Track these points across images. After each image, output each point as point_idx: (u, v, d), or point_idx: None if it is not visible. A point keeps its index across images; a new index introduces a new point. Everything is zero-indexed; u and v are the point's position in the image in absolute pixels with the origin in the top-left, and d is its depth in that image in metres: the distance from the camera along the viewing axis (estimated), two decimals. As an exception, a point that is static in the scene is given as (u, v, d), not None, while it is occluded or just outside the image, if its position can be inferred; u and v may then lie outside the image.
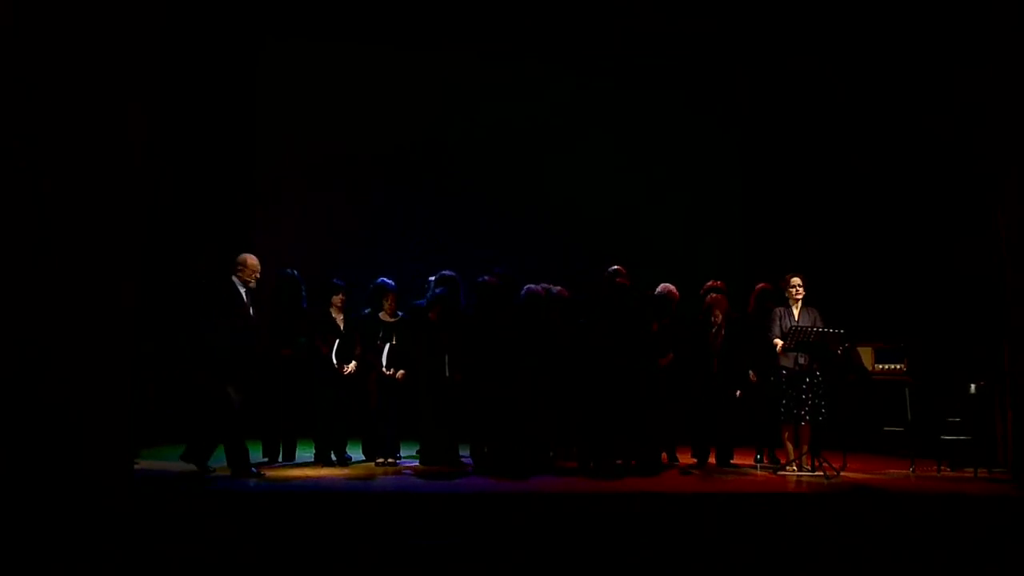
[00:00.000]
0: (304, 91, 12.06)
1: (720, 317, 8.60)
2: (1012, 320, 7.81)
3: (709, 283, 8.82)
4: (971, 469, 8.20)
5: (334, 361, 8.30)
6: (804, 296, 8.31)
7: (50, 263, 6.57)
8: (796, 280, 8.31)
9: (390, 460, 8.34)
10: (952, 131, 9.57)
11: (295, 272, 8.66)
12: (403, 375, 8.31)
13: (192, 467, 7.53)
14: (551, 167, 12.20)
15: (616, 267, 8.62)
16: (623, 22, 11.94)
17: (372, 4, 11.71)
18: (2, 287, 6.38)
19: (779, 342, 8.13)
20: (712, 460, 8.68)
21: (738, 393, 8.62)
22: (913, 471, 8.29)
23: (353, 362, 8.22)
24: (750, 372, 8.56)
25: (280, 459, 8.49)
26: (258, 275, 7.72)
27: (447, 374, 8.25)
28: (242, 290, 7.63)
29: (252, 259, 7.72)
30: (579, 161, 12.26)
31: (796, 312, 8.26)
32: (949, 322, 9.55)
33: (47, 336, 6.59)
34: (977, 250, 8.88)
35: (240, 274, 7.66)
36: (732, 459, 8.66)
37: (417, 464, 8.35)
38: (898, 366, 8.46)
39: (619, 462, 8.14)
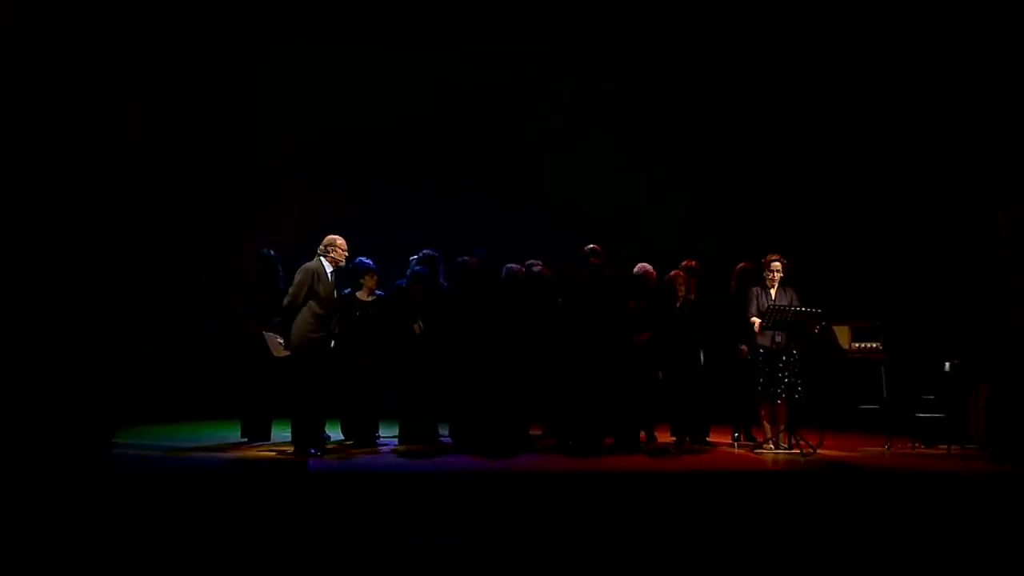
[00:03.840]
0: (304, 91, 12.17)
1: (683, 291, 8.63)
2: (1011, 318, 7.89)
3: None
4: (944, 446, 8.24)
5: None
6: (782, 276, 8.36)
7: (50, 263, 6.60)
8: (776, 264, 8.35)
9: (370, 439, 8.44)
10: (946, 125, 9.61)
11: (271, 252, 8.72)
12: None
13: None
14: (551, 167, 12.23)
15: (592, 246, 8.72)
16: (623, 22, 12.07)
17: (372, 4, 11.84)
18: (2, 286, 6.45)
19: (757, 321, 8.19)
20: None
21: (709, 372, 8.66)
22: (888, 448, 8.32)
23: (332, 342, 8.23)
24: (741, 347, 8.59)
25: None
26: (346, 255, 7.87)
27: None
28: (329, 271, 7.76)
29: (339, 239, 7.85)
30: (579, 160, 12.28)
31: (773, 292, 8.31)
32: (924, 301, 9.61)
33: (47, 336, 6.64)
34: (961, 233, 8.96)
35: (331, 255, 7.78)
36: (709, 437, 8.72)
37: (397, 443, 8.42)
38: (874, 345, 8.50)
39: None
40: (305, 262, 7.85)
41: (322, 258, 7.79)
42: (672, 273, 8.68)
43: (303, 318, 7.63)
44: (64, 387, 6.67)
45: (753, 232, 11.32)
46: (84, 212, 6.77)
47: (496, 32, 12.04)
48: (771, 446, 8.20)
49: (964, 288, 8.71)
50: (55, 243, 6.65)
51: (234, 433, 8.64)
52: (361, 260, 8.50)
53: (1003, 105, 8.08)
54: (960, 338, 8.55)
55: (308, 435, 7.68)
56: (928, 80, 10.12)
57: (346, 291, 8.50)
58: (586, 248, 8.67)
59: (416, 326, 8.31)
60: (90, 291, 6.81)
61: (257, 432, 8.50)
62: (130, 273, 7.12)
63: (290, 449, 7.74)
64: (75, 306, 6.79)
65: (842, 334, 8.56)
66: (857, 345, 8.53)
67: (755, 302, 8.29)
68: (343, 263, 7.87)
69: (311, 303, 7.64)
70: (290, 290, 7.73)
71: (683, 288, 8.63)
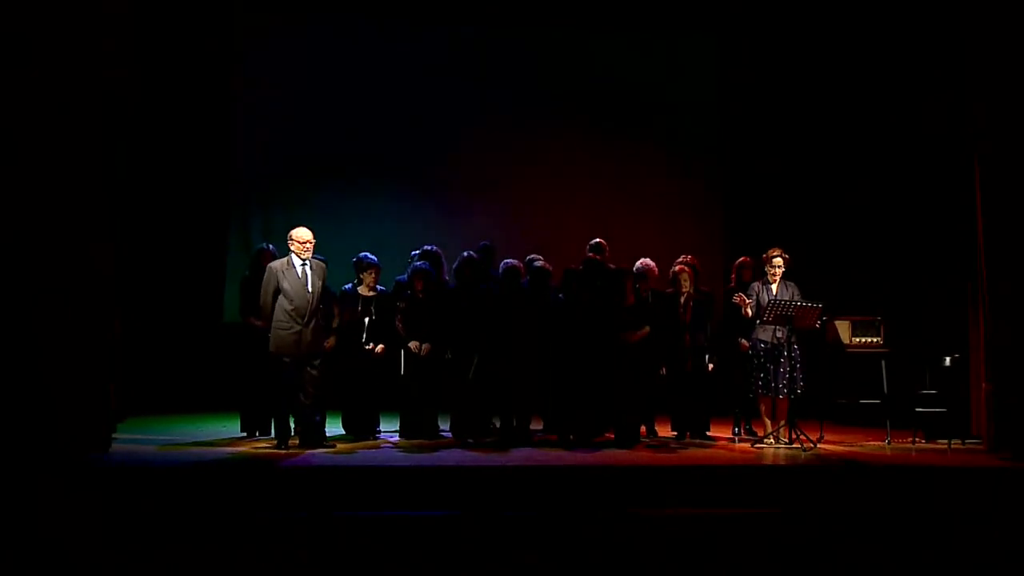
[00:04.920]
0: (294, 78, 12.05)
1: (687, 286, 8.61)
2: (988, 291, 7.89)
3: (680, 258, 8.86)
4: (945, 440, 8.27)
5: None
6: (784, 271, 8.33)
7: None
8: (778, 260, 8.30)
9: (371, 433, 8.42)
10: (932, 110, 9.57)
11: (270, 246, 8.66)
12: (383, 350, 8.36)
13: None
14: (547, 160, 12.19)
15: (597, 240, 8.72)
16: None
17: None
18: None
19: (744, 299, 8.16)
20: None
21: (711, 366, 8.67)
22: (889, 443, 8.38)
23: (332, 336, 8.17)
24: (741, 341, 8.59)
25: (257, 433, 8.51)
26: (309, 245, 7.66)
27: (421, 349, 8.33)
28: (297, 264, 7.65)
29: (297, 232, 7.72)
30: (576, 154, 12.23)
31: (775, 287, 8.29)
32: (924, 296, 9.66)
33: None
34: (950, 225, 8.98)
35: (292, 248, 7.69)
36: (709, 431, 8.73)
37: (397, 438, 8.41)
38: (875, 339, 8.51)
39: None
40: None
41: (291, 253, 7.71)
42: (676, 268, 8.65)
43: (275, 314, 7.59)
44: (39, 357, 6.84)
45: (751, 227, 11.31)
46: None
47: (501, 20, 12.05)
48: (772, 441, 8.22)
49: (960, 282, 8.73)
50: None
51: (235, 427, 8.63)
52: (364, 255, 8.44)
53: (981, 86, 8.04)
54: (960, 333, 8.57)
55: (283, 429, 7.71)
56: (910, 56, 10.08)
57: (347, 286, 8.42)
58: (591, 242, 8.64)
59: (424, 347, 8.31)
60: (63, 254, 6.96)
61: (256, 426, 8.47)
62: (104, 235, 7.24)
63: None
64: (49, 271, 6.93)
65: (843, 328, 8.56)
66: (858, 340, 8.53)
67: (755, 297, 8.26)
68: (305, 255, 7.66)
69: (281, 299, 7.58)
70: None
71: (687, 283, 8.61)
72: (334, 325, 8.14)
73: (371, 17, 12.12)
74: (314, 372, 7.63)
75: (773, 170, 11.61)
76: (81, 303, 7.13)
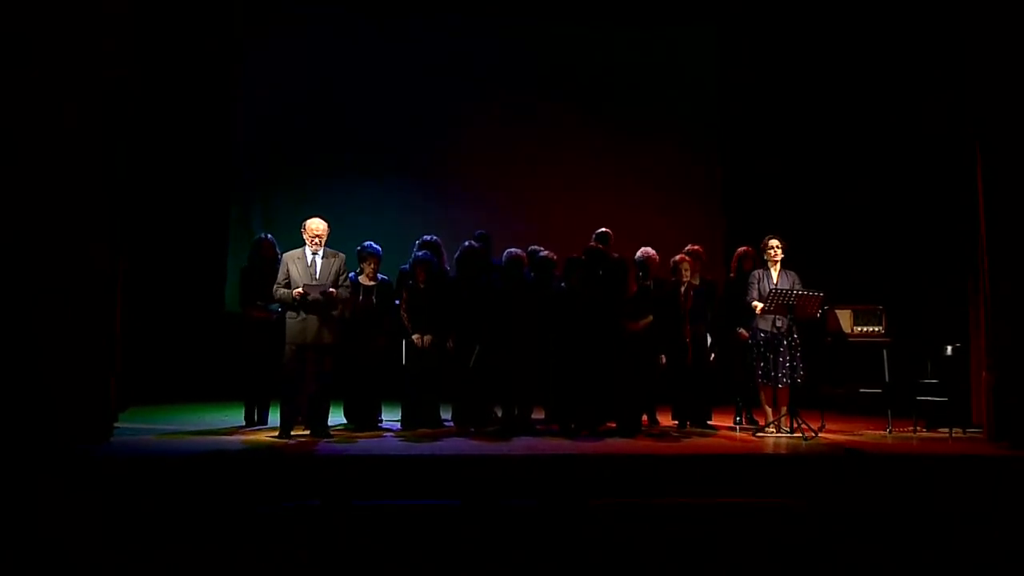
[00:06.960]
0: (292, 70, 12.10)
1: (687, 276, 8.62)
2: (990, 287, 7.89)
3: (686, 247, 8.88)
4: (946, 429, 8.30)
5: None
6: (783, 259, 8.36)
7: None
8: (774, 242, 8.35)
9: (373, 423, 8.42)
10: (934, 105, 9.60)
11: (269, 235, 8.71)
12: (385, 339, 8.36)
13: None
14: (546, 154, 12.23)
15: (603, 230, 8.79)
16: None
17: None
18: None
19: (759, 305, 8.18)
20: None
21: (712, 356, 8.72)
22: (890, 431, 8.38)
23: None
24: (740, 331, 8.63)
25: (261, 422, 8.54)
26: (318, 237, 7.66)
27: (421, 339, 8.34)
28: (309, 254, 7.67)
29: (310, 222, 7.74)
30: (573, 149, 12.26)
31: (775, 275, 8.31)
32: (925, 285, 9.66)
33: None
34: (951, 215, 8.99)
35: (304, 238, 7.71)
36: (710, 421, 8.78)
37: (399, 427, 8.41)
38: (876, 328, 8.51)
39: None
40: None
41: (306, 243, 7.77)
42: (677, 257, 8.68)
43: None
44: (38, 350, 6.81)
45: (753, 217, 11.32)
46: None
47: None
48: (773, 430, 8.22)
49: (960, 271, 8.74)
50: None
51: (237, 416, 8.65)
52: (367, 244, 8.44)
53: (982, 68, 8.04)
54: (961, 322, 8.57)
55: (286, 418, 7.71)
56: (907, 43, 10.15)
57: (351, 275, 8.41)
58: (597, 231, 8.68)
59: (426, 338, 8.33)
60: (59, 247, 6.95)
61: (259, 415, 8.51)
62: (103, 234, 7.24)
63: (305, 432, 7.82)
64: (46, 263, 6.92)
65: (844, 318, 8.56)
66: (859, 329, 8.52)
67: (756, 286, 8.30)
68: (314, 245, 7.68)
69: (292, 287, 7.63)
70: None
71: (687, 273, 8.62)
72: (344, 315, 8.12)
73: (371, 17, 12.20)
74: (320, 362, 7.64)
75: (775, 161, 11.69)
76: (81, 299, 7.12)
